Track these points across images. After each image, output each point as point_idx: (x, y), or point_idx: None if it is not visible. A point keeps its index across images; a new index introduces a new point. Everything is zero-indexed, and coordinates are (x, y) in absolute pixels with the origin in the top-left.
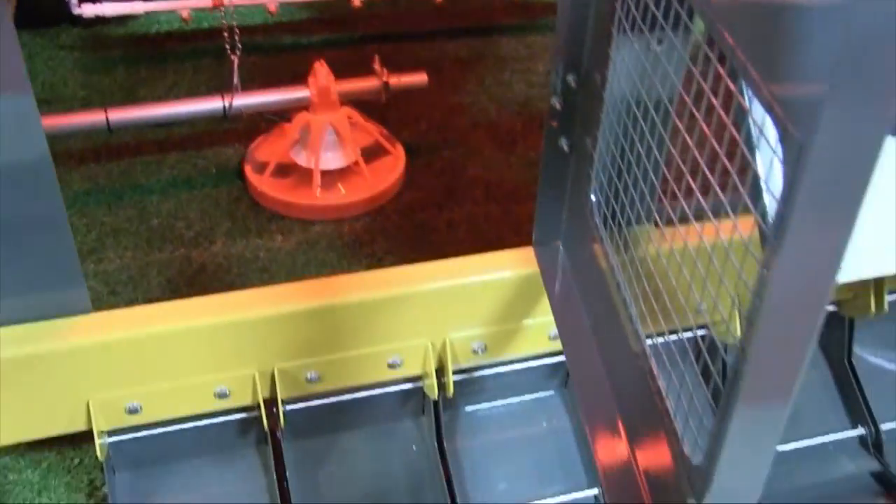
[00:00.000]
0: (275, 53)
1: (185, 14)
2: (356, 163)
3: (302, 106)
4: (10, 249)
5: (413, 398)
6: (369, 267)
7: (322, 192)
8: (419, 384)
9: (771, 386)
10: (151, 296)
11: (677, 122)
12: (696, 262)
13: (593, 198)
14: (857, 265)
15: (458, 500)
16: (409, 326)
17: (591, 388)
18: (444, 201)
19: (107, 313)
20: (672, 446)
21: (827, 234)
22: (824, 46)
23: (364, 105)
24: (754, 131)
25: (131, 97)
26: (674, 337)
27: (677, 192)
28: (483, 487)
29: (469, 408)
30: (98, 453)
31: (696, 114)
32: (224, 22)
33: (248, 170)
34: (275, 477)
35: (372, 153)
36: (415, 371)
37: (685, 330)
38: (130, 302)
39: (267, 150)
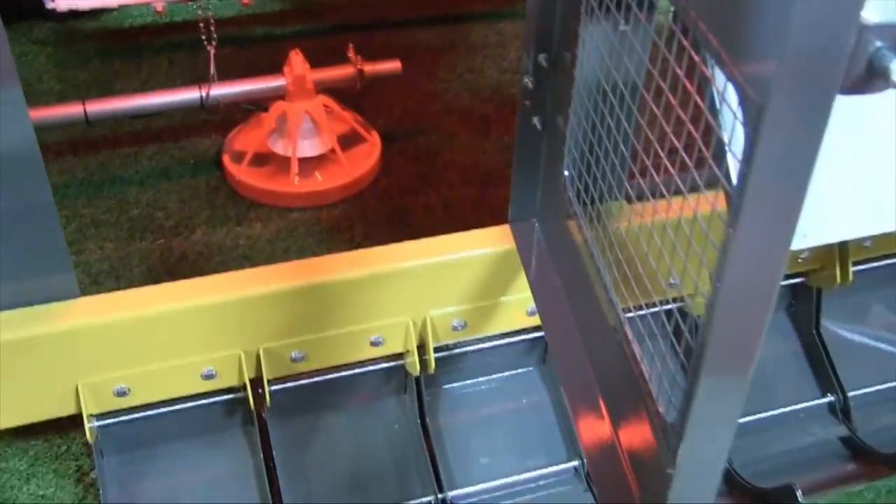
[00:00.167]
0: (249, 45)
1: (158, 7)
2: (333, 150)
3: (278, 95)
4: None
5: (395, 376)
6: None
7: (300, 179)
8: (401, 362)
9: (737, 342)
10: (133, 285)
11: (646, 96)
12: (665, 235)
13: (566, 173)
14: (821, 230)
15: (442, 475)
16: (390, 305)
17: (569, 362)
18: (420, 186)
19: (94, 298)
20: (649, 408)
21: (785, 189)
22: (778, 15)
23: (339, 93)
24: (717, 98)
25: (107, 91)
26: (651, 310)
27: (648, 166)
28: (465, 463)
29: (450, 386)
30: (87, 436)
31: (663, 86)
32: (200, 13)
33: (226, 159)
34: (262, 457)
35: (348, 141)
36: (396, 349)
37: (661, 303)
38: (113, 291)
39: (244, 139)
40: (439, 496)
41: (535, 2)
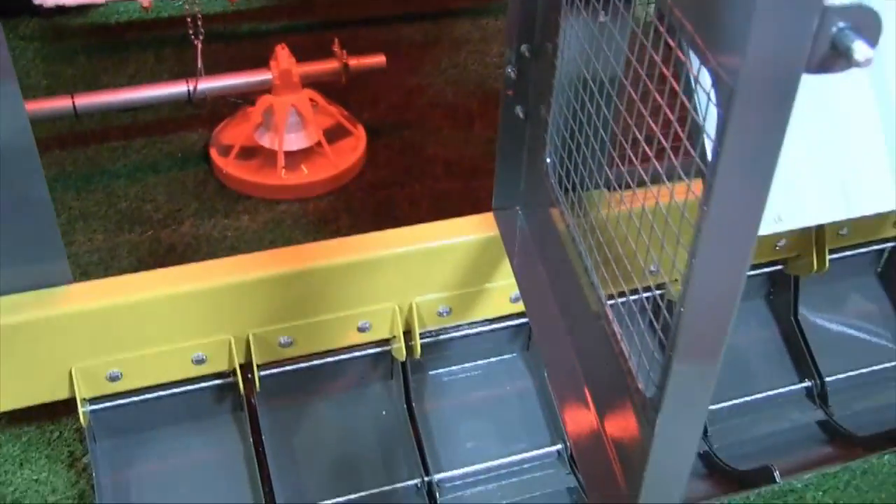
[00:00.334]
0: (235, 41)
1: (145, 3)
2: (319, 143)
3: (264, 89)
4: None
5: (382, 362)
6: None
7: (286, 172)
8: (388, 348)
9: (711, 315)
10: None
11: (625, 84)
12: (645, 222)
13: (548, 160)
14: (796, 214)
15: (428, 458)
16: (376, 291)
17: (553, 348)
18: (405, 179)
19: (88, 283)
20: (629, 386)
21: (756, 165)
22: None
23: (325, 88)
24: (693, 83)
25: (94, 86)
26: (633, 297)
27: (628, 153)
28: (451, 447)
29: (436, 372)
30: (81, 420)
31: (643, 73)
32: (187, 9)
33: (213, 153)
34: (251, 441)
35: (334, 134)
36: (383, 334)
37: (642, 290)
38: None
39: (231, 133)
40: (425, 479)
41: None
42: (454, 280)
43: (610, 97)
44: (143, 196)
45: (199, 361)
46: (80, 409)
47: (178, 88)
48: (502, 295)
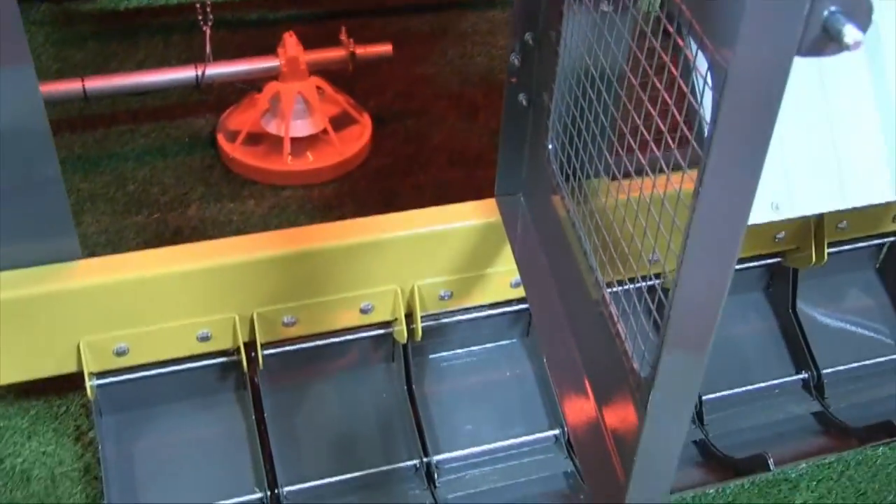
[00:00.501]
0: (243, 29)
1: None
2: (325, 131)
3: (272, 76)
4: (9, 202)
5: (384, 345)
6: None
7: (292, 158)
8: (389, 330)
9: (703, 294)
10: None
11: (627, 72)
12: (646, 211)
13: (550, 146)
14: (793, 203)
15: (427, 440)
16: (379, 273)
17: (552, 335)
18: (409, 167)
19: (97, 259)
20: (625, 366)
21: (749, 146)
22: None
23: (332, 76)
24: (692, 70)
25: (103, 71)
26: (633, 285)
27: (628, 142)
28: (450, 429)
29: (436, 356)
30: (88, 394)
31: (644, 63)
32: None
33: (220, 138)
34: (254, 419)
35: (340, 122)
36: (385, 317)
37: (642, 279)
38: None
39: (238, 119)
40: (424, 460)
41: None
42: (456, 264)
43: (611, 85)
44: (151, 179)
45: (204, 339)
46: (88, 383)
47: (187, 73)
48: (503, 280)
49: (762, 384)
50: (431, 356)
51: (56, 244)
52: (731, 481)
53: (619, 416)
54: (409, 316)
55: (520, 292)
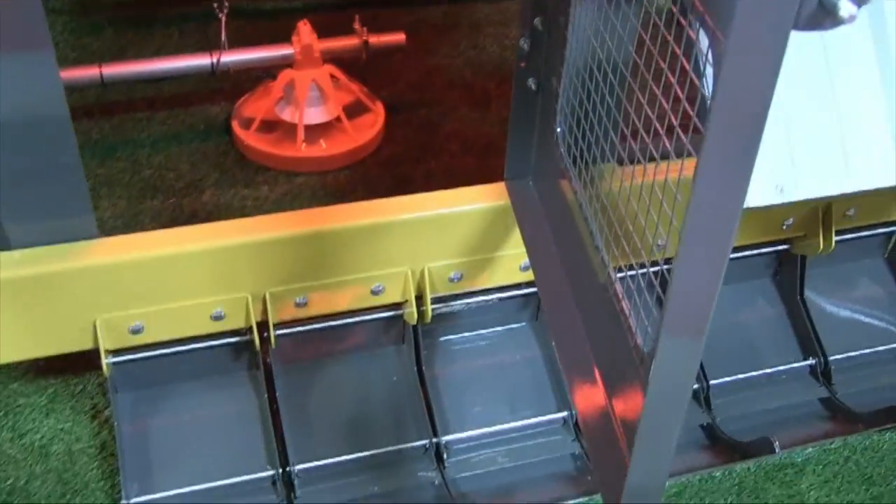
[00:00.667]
0: (258, 18)
1: None
2: (338, 119)
3: (286, 64)
4: (29, 183)
5: (394, 326)
6: None
7: (306, 145)
8: (400, 312)
9: (703, 266)
10: None
11: (635, 57)
12: (653, 195)
13: (558, 129)
14: (797, 186)
15: (437, 421)
16: (390, 255)
17: (561, 318)
18: (421, 155)
19: (113, 238)
20: (629, 342)
21: (747, 119)
22: None
23: (346, 66)
24: (696, 52)
25: (120, 59)
26: (641, 270)
27: (636, 126)
28: (459, 410)
29: (446, 338)
30: (104, 371)
31: (649, 43)
32: None
33: (235, 125)
34: (265, 398)
35: (353, 110)
36: (396, 298)
37: (652, 264)
38: None
39: (253, 106)
40: (434, 440)
41: None
42: (466, 247)
43: (618, 70)
44: (167, 165)
45: (218, 318)
46: (104, 360)
47: (202, 60)
48: (512, 263)
49: (769, 369)
50: (442, 339)
51: (73, 222)
52: (736, 464)
53: (626, 399)
54: (420, 298)
55: (529, 275)
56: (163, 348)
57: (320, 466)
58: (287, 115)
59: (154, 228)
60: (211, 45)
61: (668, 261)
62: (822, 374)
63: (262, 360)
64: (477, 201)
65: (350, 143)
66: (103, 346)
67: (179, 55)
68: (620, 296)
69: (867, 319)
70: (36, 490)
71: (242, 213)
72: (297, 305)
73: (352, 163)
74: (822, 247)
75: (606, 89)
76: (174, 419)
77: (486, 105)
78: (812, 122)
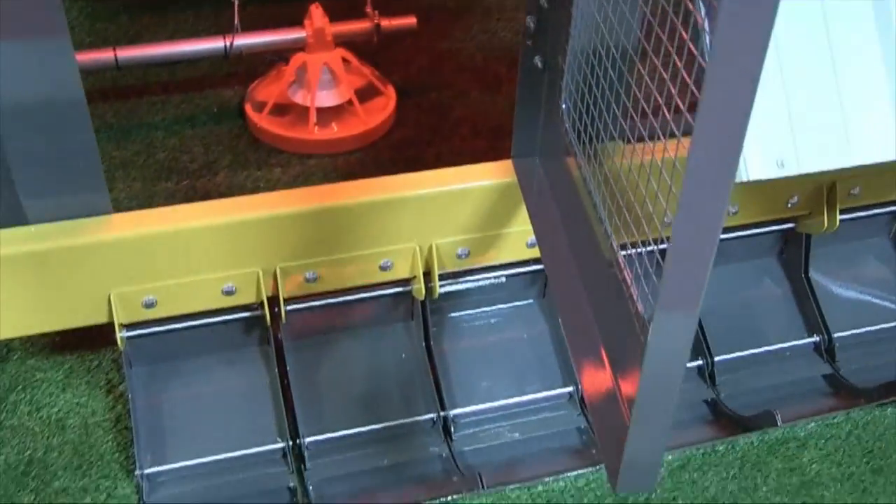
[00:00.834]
0: (271, 2)
1: None
2: (350, 102)
3: (298, 47)
4: (46, 161)
5: (403, 302)
6: None
7: (318, 128)
8: (408, 288)
9: (700, 227)
10: None
11: (639, 35)
12: (658, 173)
13: (563, 106)
14: (797, 160)
15: (444, 395)
16: (398, 231)
17: (567, 294)
18: (432, 138)
19: (127, 214)
20: (630, 310)
21: (739, 81)
22: None
23: (358, 49)
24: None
25: (135, 43)
26: (640, 244)
27: (643, 103)
28: (466, 385)
29: (454, 315)
30: (119, 344)
31: (655, 25)
32: None
33: (248, 108)
34: (276, 372)
35: (365, 94)
36: (404, 274)
37: (653, 241)
38: None
39: (266, 90)
40: (441, 414)
41: None
42: (473, 223)
43: (621, 46)
44: (181, 148)
45: (229, 292)
46: (118, 334)
47: (216, 44)
48: (519, 240)
49: (773, 346)
50: (450, 315)
51: (87, 198)
52: (739, 438)
53: (630, 373)
54: (428, 274)
55: (535, 252)
56: (176, 323)
57: (330, 439)
58: (299, 98)
59: None
60: (225, 30)
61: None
62: (826, 351)
63: (273, 335)
64: (484, 178)
65: (361, 125)
66: (118, 319)
67: (193, 38)
68: (623, 266)
69: (872, 298)
70: (53, 461)
71: (255, 193)
72: (308, 281)
73: (363, 145)
74: (826, 225)
75: (610, 66)
76: (187, 393)
77: (496, 89)
78: (813, 96)
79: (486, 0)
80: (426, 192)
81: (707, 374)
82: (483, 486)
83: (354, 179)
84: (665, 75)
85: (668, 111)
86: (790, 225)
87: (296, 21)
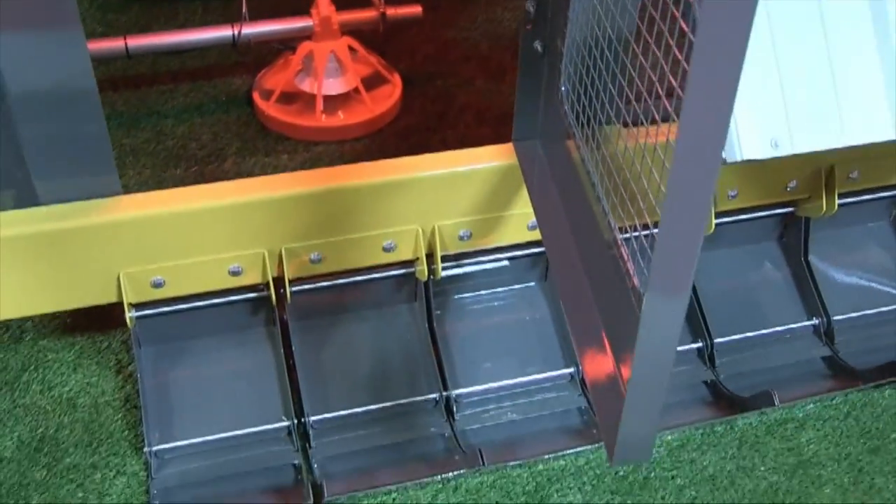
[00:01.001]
0: None
1: None
2: (356, 89)
3: (305, 36)
4: (58, 146)
5: (407, 284)
6: None
7: (325, 116)
8: (412, 269)
9: (691, 200)
10: None
11: (637, 20)
12: (655, 156)
13: (563, 88)
14: (791, 141)
15: (447, 376)
16: (401, 213)
17: (567, 275)
18: (437, 125)
19: (136, 195)
20: (627, 284)
21: (726, 56)
22: None
23: (364, 39)
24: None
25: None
26: (638, 228)
27: (637, 84)
28: (469, 366)
29: (458, 297)
30: (128, 323)
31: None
32: None
33: (255, 96)
34: (282, 352)
35: (371, 82)
36: (407, 255)
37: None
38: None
39: (273, 78)
40: (444, 394)
41: None
42: (475, 206)
43: (617, 28)
44: (190, 135)
45: (235, 273)
46: (127, 314)
47: (224, 32)
48: (520, 222)
49: (773, 329)
50: (453, 297)
51: (97, 180)
52: (738, 418)
53: (628, 351)
54: (431, 256)
55: (536, 235)
56: (184, 303)
57: (334, 418)
58: (306, 86)
59: None
60: (233, 20)
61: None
62: (825, 333)
63: (279, 316)
64: (485, 161)
65: (367, 113)
66: (127, 299)
67: (201, 27)
68: (620, 242)
69: (871, 282)
70: (64, 438)
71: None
72: (312, 262)
73: (369, 132)
74: (825, 208)
75: (607, 48)
76: (194, 372)
77: (501, 77)
78: (806, 76)
79: None
80: (428, 174)
81: (707, 356)
82: (484, 464)
83: None
84: (659, 54)
85: (663, 94)
86: (790, 209)
87: (302, 10)
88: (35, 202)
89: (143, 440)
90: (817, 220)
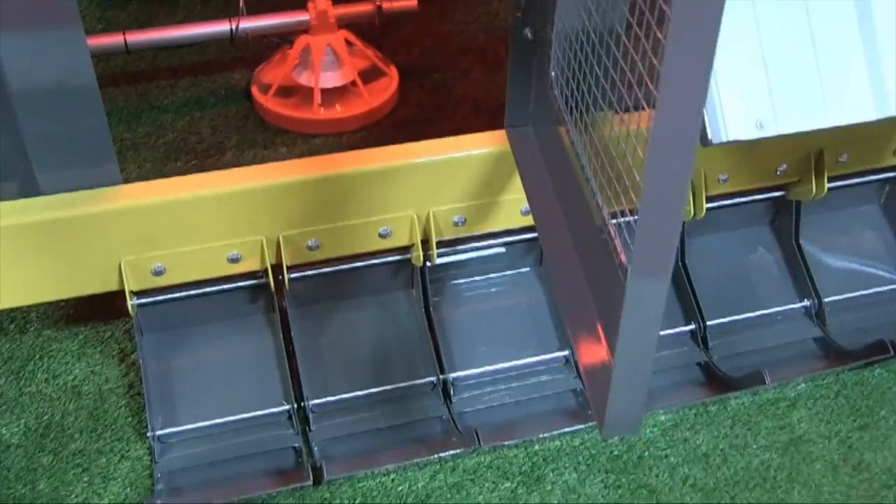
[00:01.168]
0: None
1: None
2: (353, 82)
3: (302, 29)
4: (58, 141)
5: (403, 271)
6: None
7: (322, 109)
8: (408, 256)
9: (670, 174)
10: None
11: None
12: (638, 142)
13: (552, 73)
14: (776, 121)
15: (444, 359)
16: (396, 199)
17: (559, 260)
18: (434, 117)
19: (136, 184)
20: (614, 260)
21: (701, 38)
22: None
23: (361, 33)
24: None
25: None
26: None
27: (625, 70)
28: (465, 350)
29: (454, 283)
30: (130, 311)
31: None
32: None
33: (254, 90)
34: (281, 339)
35: (369, 75)
36: (403, 241)
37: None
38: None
39: (271, 72)
40: (441, 377)
41: None
42: (469, 192)
43: (602, 13)
44: (189, 129)
45: (234, 260)
46: (129, 302)
47: (222, 27)
48: (514, 207)
49: (765, 311)
50: (450, 283)
51: (98, 169)
52: (730, 397)
53: (618, 331)
54: (426, 243)
55: (529, 220)
56: (184, 290)
57: (333, 401)
58: (304, 79)
59: None
60: (231, 16)
61: None
62: (817, 315)
63: (278, 303)
64: (479, 147)
65: (365, 105)
66: (128, 287)
67: (200, 23)
68: (607, 222)
69: (862, 265)
70: (70, 425)
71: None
72: (310, 248)
73: (366, 125)
74: (815, 192)
75: (594, 34)
76: (196, 359)
77: (498, 69)
78: (790, 57)
79: None
80: (423, 160)
81: (700, 338)
82: (480, 444)
83: None
84: (643, 39)
85: (647, 78)
86: (781, 193)
87: (299, 4)
88: (36, 192)
89: (146, 425)
90: (808, 204)
